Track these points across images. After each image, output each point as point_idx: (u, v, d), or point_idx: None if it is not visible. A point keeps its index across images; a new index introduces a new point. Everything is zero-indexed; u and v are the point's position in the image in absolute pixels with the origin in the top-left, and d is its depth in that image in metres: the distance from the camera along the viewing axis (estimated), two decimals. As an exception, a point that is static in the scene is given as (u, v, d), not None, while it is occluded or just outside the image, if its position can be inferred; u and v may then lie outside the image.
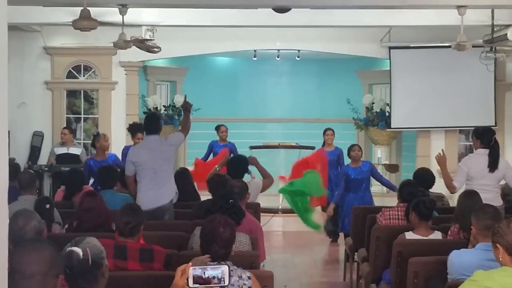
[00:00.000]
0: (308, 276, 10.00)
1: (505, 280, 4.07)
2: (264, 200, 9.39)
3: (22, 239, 3.23)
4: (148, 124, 8.31)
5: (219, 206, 5.99)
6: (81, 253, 3.41)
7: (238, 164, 8.82)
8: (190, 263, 3.38)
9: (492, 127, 13.97)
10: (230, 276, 4.41)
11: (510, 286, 4.05)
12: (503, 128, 14.38)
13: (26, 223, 4.97)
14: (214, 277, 3.32)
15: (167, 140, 8.18)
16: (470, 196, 6.50)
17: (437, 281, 5.32)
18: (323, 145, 12.30)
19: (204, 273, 3.31)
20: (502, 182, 8.25)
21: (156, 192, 7.93)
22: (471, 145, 13.85)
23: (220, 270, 3.32)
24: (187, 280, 3.31)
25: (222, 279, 3.32)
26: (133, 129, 11.09)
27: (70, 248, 3.46)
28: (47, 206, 6.69)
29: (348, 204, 10.40)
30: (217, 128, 13.53)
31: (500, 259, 4.21)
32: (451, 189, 7.98)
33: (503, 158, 8.42)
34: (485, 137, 8.03)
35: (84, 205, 6.54)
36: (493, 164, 7.85)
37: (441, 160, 8.06)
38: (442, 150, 8.27)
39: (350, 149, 10.79)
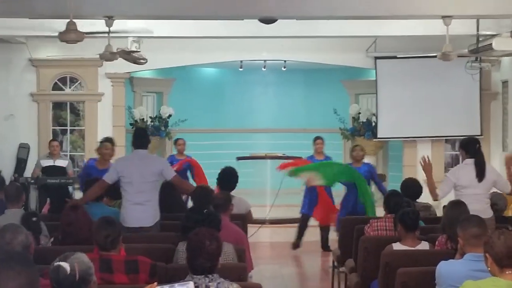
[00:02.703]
0: (296, 287, 10.00)
1: (494, 291, 4.07)
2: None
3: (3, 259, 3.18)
4: (137, 139, 8.20)
5: (195, 220, 5.96)
6: (68, 268, 3.39)
7: (229, 177, 8.80)
8: (155, 283, 3.39)
9: (478, 137, 14.10)
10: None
11: (498, 297, 4.06)
12: (489, 138, 14.42)
13: (14, 238, 4.94)
14: None
15: (159, 166, 8.07)
16: (456, 206, 6.52)
17: (425, 292, 5.32)
18: (313, 154, 12.25)
19: None
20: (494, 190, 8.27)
21: (140, 211, 7.81)
22: (457, 154, 13.93)
23: (186, 287, 3.35)
24: None
25: None
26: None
27: (57, 263, 3.44)
28: (34, 219, 6.66)
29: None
30: (175, 142, 13.36)
31: (489, 269, 4.23)
32: (434, 196, 7.99)
33: (491, 166, 8.45)
34: (469, 147, 8.07)
35: (65, 218, 6.51)
36: (480, 173, 7.87)
37: (427, 167, 8.07)
38: (428, 156, 8.25)
39: (352, 149, 11.31)
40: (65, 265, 3.39)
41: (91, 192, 7.90)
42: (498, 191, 8.29)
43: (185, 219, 6.22)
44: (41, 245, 6.51)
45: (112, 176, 7.96)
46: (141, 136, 8.24)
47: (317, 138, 12.38)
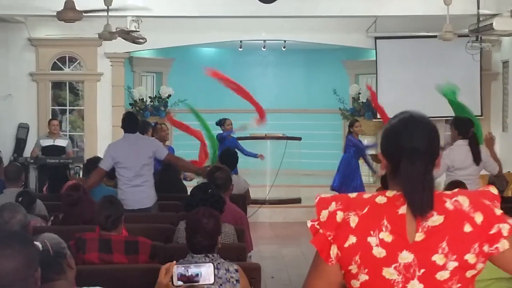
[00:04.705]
0: (296, 267, 9.99)
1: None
2: (251, 191, 9.38)
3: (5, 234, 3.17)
4: (127, 123, 8.18)
5: (199, 198, 5.96)
6: (40, 246, 3.38)
7: (231, 157, 8.87)
8: (174, 262, 3.36)
9: (478, 117, 14.09)
10: (217, 269, 4.42)
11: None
12: (489, 118, 14.41)
13: (12, 217, 4.94)
14: (198, 275, 3.31)
15: (152, 147, 8.05)
16: (455, 186, 6.50)
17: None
18: (350, 135, 12.24)
19: (188, 270, 3.31)
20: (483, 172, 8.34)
21: (138, 193, 7.82)
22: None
23: (204, 268, 3.31)
24: (172, 278, 3.30)
25: (207, 277, 3.31)
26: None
27: None
28: (19, 199, 6.63)
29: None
30: (223, 122, 12.79)
31: None
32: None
33: (482, 147, 8.50)
34: (462, 128, 8.12)
35: (68, 199, 6.47)
36: (476, 157, 7.93)
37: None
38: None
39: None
40: (37, 244, 3.39)
41: (91, 181, 7.91)
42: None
43: (190, 197, 6.22)
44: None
45: (108, 162, 7.96)
46: (131, 120, 8.20)
47: (356, 120, 12.36)
